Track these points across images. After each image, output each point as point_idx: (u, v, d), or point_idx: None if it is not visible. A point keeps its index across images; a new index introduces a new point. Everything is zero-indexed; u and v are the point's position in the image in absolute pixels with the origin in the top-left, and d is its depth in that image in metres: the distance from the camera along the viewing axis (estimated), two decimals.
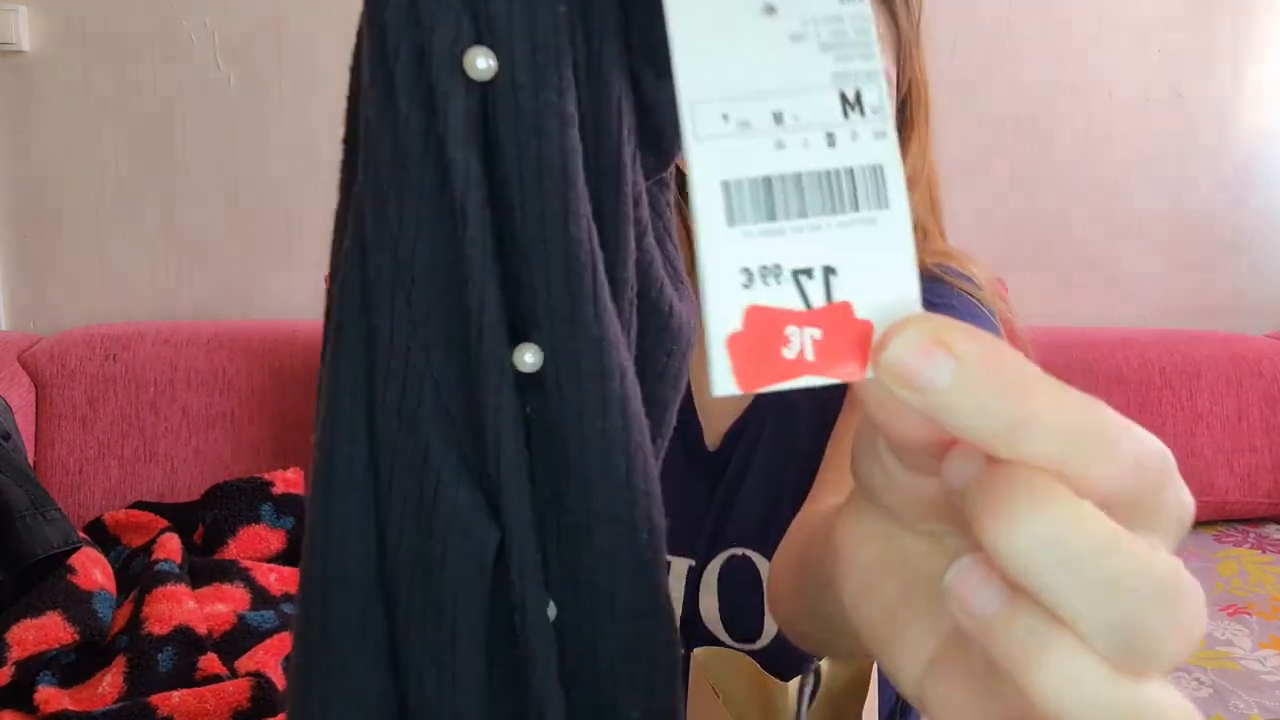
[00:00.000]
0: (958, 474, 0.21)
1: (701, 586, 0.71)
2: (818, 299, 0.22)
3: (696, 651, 0.61)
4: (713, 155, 0.22)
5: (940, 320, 0.20)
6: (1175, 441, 1.78)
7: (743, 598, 0.70)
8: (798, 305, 0.22)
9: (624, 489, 0.29)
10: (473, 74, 0.27)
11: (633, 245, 0.30)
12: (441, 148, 0.27)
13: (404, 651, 0.30)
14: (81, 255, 1.72)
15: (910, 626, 0.23)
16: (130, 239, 1.73)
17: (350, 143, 0.31)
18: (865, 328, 0.22)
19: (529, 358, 0.28)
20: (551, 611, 0.30)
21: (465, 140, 0.27)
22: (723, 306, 0.22)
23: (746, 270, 0.22)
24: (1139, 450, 0.20)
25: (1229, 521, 1.87)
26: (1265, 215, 2.08)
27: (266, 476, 1.47)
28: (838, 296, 0.22)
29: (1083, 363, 1.79)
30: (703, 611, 0.71)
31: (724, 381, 0.21)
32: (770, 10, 0.23)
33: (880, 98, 0.23)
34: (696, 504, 0.73)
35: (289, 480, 1.48)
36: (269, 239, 1.75)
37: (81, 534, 1.35)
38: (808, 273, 0.22)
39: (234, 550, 1.40)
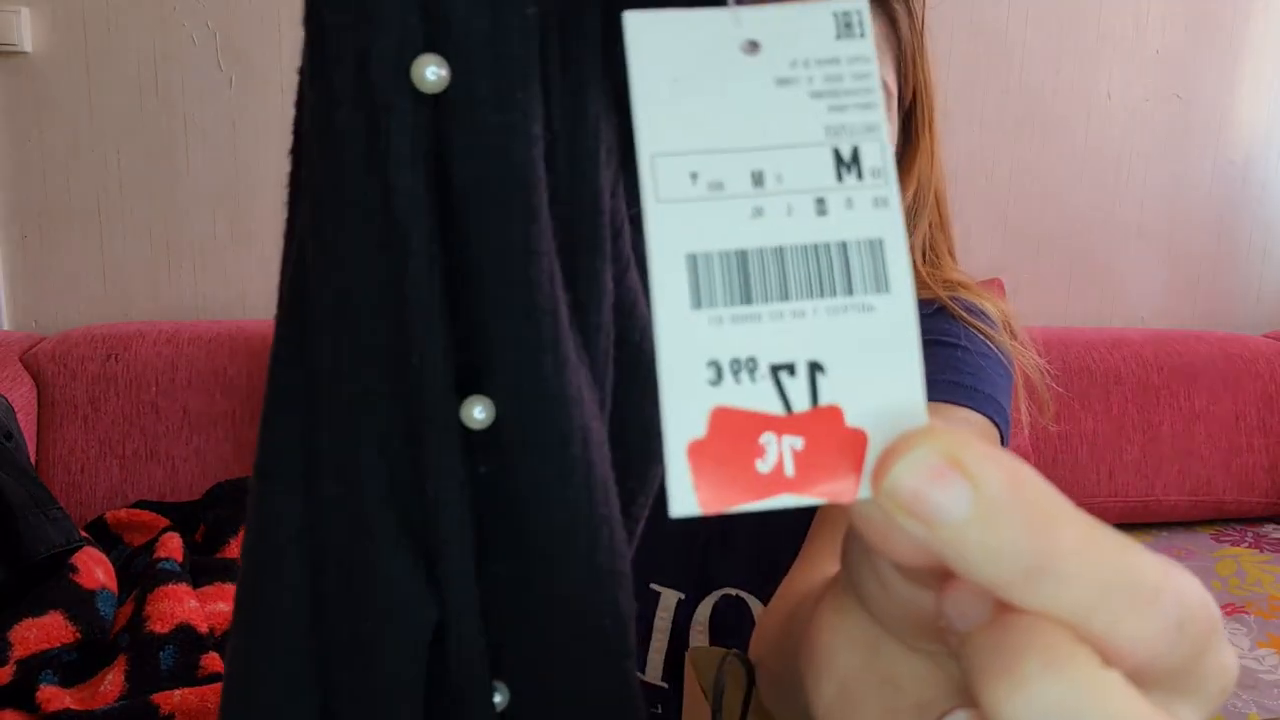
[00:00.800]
0: (960, 616, 0.18)
1: (693, 625, 0.68)
2: (801, 401, 0.18)
3: (691, 650, 0.61)
4: (677, 221, 0.18)
5: (957, 438, 0.17)
6: (1173, 441, 1.79)
7: (735, 643, 0.66)
8: (776, 408, 0.18)
9: (585, 568, 0.25)
10: (422, 86, 0.23)
11: (609, 285, 0.26)
12: (384, 168, 0.23)
13: None
14: (83, 255, 1.72)
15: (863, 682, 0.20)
16: (132, 239, 1.73)
17: (297, 156, 0.27)
18: (857, 438, 0.18)
19: (479, 413, 0.24)
20: (501, 699, 0.26)
21: (412, 161, 0.23)
22: (684, 407, 0.18)
23: (714, 364, 0.18)
24: (1180, 607, 0.17)
25: (1227, 521, 1.88)
26: (1263, 216, 2.08)
27: None
28: (825, 399, 0.18)
29: (1080, 363, 1.80)
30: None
31: (683, 499, 0.18)
32: (753, 48, 0.20)
33: (883, 157, 0.19)
34: (688, 536, 0.69)
35: None
36: (270, 239, 1.75)
37: (83, 533, 1.35)
38: (789, 369, 0.18)
39: (236, 549, 1.40)
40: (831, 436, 0.18)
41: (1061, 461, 1.76)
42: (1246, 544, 1.78)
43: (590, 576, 0.25)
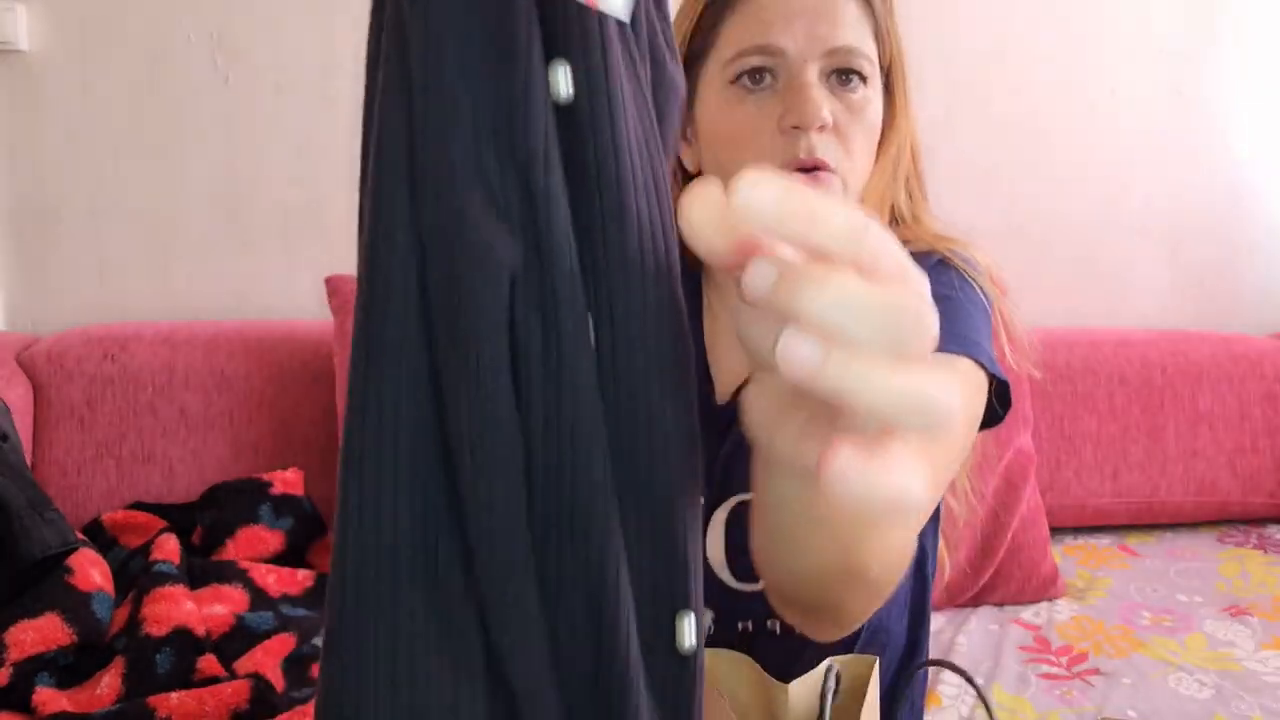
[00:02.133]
0: (760, 276, 0.29)
1: (710, 529, 0.73)
2: None
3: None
4: None
5: (761, 175, 0.29)
6: (1177, 442, 1.78)
7: (747, 543, 0.71)
8: None
9: (649, 192, 0.33)
10: None
11: None
12: None
13: (444, 382, 0.32)
14: (80, 255, 1.72)
15: (776, 411, 0.34)
16: (129, 239, 1.72)
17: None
18: None
19: (563, 83, 0.31)
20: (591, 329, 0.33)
21: None
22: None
23: None
24: (898, 255, 0.30)
25: (1231, 522, 1.87)
26: (1265, 215, 2.08)
27: (265, 477, 1.47)
28: None
29: (1084, 363, 1.79)
30: (709, 552, 0.73)
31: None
32: None
33: None
34: (710, 450, 0.75)
35: (288, 481, 1.47)
36: (268, 239, 1.75)
37: (79, 535, 1.35)
38: None
39: (232, 551, 1.40)
40: None
41: (1065, 462, 1.75)
42: (1251, 545, 1.77)
43: (651, 198, 0.33)
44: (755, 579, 0.73)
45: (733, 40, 0.71)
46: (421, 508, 0.32)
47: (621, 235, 0.32)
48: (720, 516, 0.73)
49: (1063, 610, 1.53)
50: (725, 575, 0.73)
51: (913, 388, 0.28)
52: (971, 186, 1.94)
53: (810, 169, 0.69)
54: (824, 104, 0.68)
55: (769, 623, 0.73)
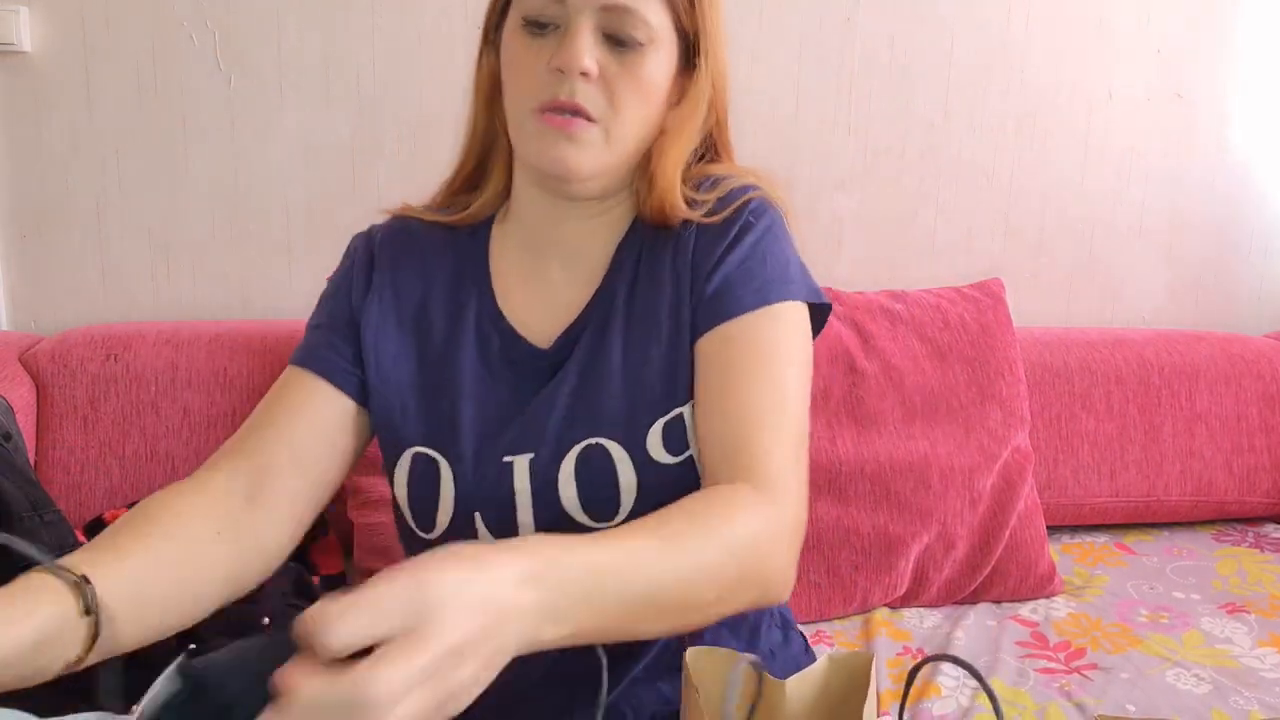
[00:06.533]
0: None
1: (560, 477, 0.75)
2: None
3: (689, 651, 0.62)
4: None
5: None
6: (1174, 442, 1.78)
7: (600, 482, 0.74)
8: None
9: None
10: None
11: None
12: None
13: None
14: (82, 255, 1.72)
15: None
16: (131, 239, 1.73)
17: None
18: None
19: None
20: None
21: None
22: None
23: None
24: None
25: (1228, 521, 1.88)
26: (1264, 215, 2.08)
27: None
28: None
29: (1082, 363, 1.80)
30: (564, 500, 0.75)
31: None
32: None
33: None
34: (528, 401, 0.78)
35: None
36: (269, 239, 1.75)
37: (80, 534, 1.35)
38: None
39: None
40: None
41: (1063, 462, 1.76)
42: (1247, 544, 1.78)
43: None
44: (609, 517, 0.75)
45: None
46: None
47: None
48: (569, 467, 0.75)
49: (1060, 607, 1.53)
50: (581, 517, 0.75)
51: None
52: (971, 186, 1.95)
53: (570, 111, 0.73)
54: (587, 53, 0.72)
55: None
